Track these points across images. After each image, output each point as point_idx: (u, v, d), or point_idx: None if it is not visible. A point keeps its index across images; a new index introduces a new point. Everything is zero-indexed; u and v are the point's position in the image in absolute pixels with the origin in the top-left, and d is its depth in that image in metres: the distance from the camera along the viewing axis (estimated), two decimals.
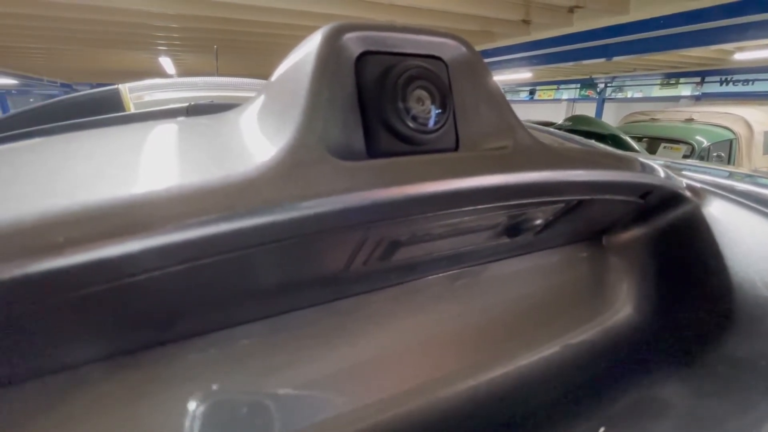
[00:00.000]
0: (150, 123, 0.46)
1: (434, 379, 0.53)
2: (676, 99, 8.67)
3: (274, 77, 0.37)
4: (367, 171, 0.31)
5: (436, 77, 0.34)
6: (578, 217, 0.56)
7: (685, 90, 8.60)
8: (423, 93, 0.34)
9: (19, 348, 0.31)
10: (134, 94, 1.19)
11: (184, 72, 9.80)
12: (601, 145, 0.57)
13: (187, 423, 0.41)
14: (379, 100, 0.32)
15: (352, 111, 0.32)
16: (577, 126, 3.29)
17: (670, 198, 0.61)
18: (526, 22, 4.86)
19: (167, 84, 1.35)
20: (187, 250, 0.27)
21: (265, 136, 0.33)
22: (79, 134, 0.44)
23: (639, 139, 3.39)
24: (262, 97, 0.38)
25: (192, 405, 0.41)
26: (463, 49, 0.37)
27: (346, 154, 0.31)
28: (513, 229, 0.51)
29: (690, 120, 3.48)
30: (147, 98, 1.22)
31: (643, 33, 4.32)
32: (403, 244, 0.43)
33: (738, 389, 0.50)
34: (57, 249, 0.23)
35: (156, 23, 4.95)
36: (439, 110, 0.35)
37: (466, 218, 0.44)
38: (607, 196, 0.52)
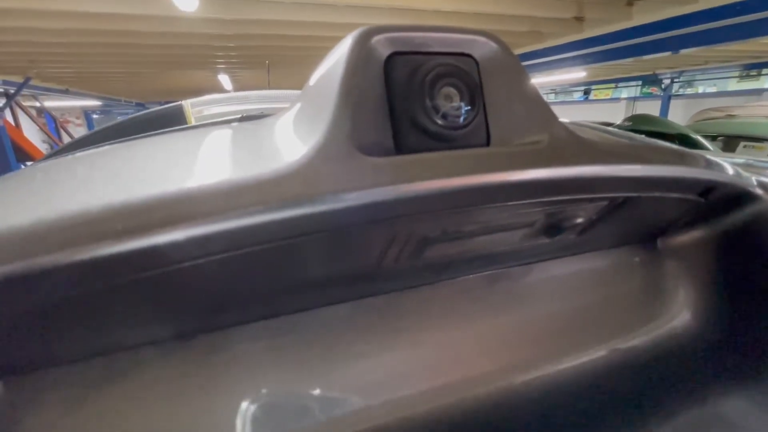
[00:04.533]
0: (198, 131, 0.50)
1: (469, 378, 0.52)
2: (758, 93, 7.74)
3: (309, 82, 0.40)
4: (393, 166, 0.32)
5: (464, 74, 0.35)
6: (626, 216, 0.52)
7: None
8: (451, 90, 0.34)
9: (80, 328, 0.36)
10: (195, 108, 1.31)
11: (240, 87, 10.51)
12: (657, 141, 0.52)
13: (226, 407, 0.43)
14: (407, 98, 0.33)
15: (380, 110, 0.33)
16: (638, 126, 3.05)
17: (737, 196, 0.54)
18: (578, 19, 4.62)
19: (223, 98, 1.47)
20: (223, 241, 0.30)
21: (298, 136, 0.35)
22: (140, 141, 0.49)
23: (713, 138, 3.07)
24: (299, 101, 0.40)
25: (231, 392, 0.44)
26: (494, 45, 0.37)
27: (374, 151, 0.33)
28: (552, 228, 0.49)
29: None
30: (206, 112, 1.34)
31: (715, 22, 3.91)
32: (435, 241, 0.43)
33: None
34: (115, 237, 0.26)
35: (215, 44, 5.37)
36: (468, 107, 0.35)
37: (499, 215, 0.43)
38: (657, 193, 0.48)
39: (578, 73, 8.58)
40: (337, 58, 0.34)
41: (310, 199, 0.30)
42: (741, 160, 0.94)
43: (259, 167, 0.31)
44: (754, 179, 0.55)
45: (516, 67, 0.38)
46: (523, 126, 0.38)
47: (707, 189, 0.51)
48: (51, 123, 8.52)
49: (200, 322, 0.43)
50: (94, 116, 13.37)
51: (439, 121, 0.34)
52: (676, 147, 0.51)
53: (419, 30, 0.35)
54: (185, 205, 0.28)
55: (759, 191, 0.54)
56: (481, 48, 0.37)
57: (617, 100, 10.94)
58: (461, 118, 0.35)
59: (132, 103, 12.91)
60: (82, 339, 0.37)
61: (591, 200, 0.46)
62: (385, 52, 0.34)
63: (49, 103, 9.05)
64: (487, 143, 0.37)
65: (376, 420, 0.47)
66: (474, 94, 0.35)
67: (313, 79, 0.39)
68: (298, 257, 0.39)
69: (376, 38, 0.33)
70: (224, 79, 9.16)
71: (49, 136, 7.45)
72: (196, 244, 0.28)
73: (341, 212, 0.31)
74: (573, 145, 0.39)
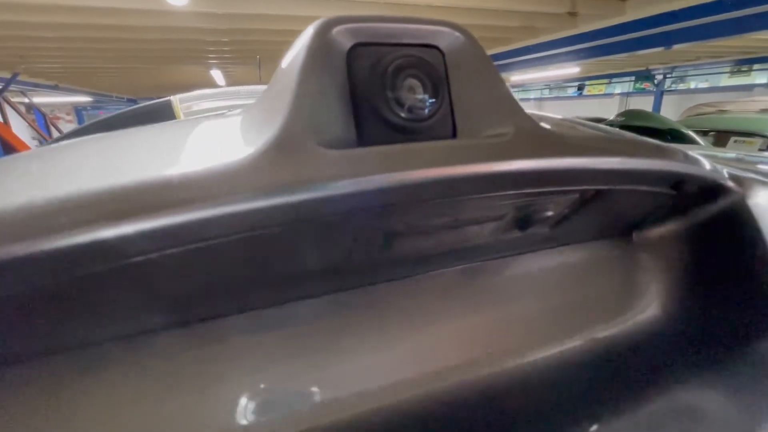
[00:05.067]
0: (164, 125, 0.49)
1: (443, 369, 0.52)
2: (749, 88, 7.82)
3: (274, 74, 0.39)
4: (350, 159, 0.32)
5: (427, 65, 0.34)
6: (599, 209, 0.52)
7: (760, 78, 7.74)
8: (414, 82, 0.34)
9: (33, 325, 0.35)
10: (184, 104, 1.30)
11: (233, 82, 10.41)
12: (627, 133, 0.51)
13: (193, 403, 0.43)
14: (370, 90, 0.33)
15: (342, 102, 0.33)
16: (631, 121, 3.06)
17: (709, 189, 0.55)
18: (572, 14, 4.62)
19: (213, 94, 1.45)
20: (171, 235, 0.29)
21: (257, 129, 0.35)
22: (101, 137, 0.49)
23: (705, 134, 3.09)
24: (265, 94, 0.39)
25: (199, 388, 0.44)
26: (460, 36, 0.37)
27: (337, 144, 0.32)
28: (523, 221, 0.49)
29: (766, 110, 3.11)
30: (195, 107, 1.32)
31: (707, 17, 3.93)
32: (404, 235, 0.43)
33: None
34: (58, 230, 0.26)
35: (208, 38, 5.30)
36: (433, 99, 0.34)
37: (466, 208, 0.43)
38: (627, 186, 0.48)
39: (572, 69, 8.59)
40: (297, 49, 0.34)
41: (262, 192, 0.29)
42: (732, 155, 0.95)
43: (213, 160, 0.31)
44: (725, 172, 0.55)
45: (483, 58, 0.37)
46: (490, 118, 0.38)
47: (679, 182, 0.51)
48: (40, 119, 8.39)
49: (164, 318, 0.42)
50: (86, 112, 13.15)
51: (403, 114, 0.33)
52: (647, 139, 0.50)
53: (383, 21, 0.34)
54: (132, 199, 0.27)
55: (730, 184, 0.54)
56: (447, 39, 0.36)
57: (611, 95, 10.98)
58: (425, 110, 0.34)
59: (123, 99, 12.75)
60: (48, 334, 0.37)
61: (560, 193, 0.46)
62: (347, 43, 0.33)
63: (39, 99, 8.91)
64: (454, 135, 0.36)
65: (349, 411, 0.47)
66: (438, 85, 0.34)
67: (276, 71, 0.38)
68: (258, 252, 0.38)
69: (336, 29, 0.32)
70: (217, 75, 9.07)
71: (38, 133, 7.34)
72: (145, 239, 0.28)
73: (295, 206, 0.31)
74: (539, 137, 0.39)
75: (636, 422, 0.45)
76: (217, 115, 0.73)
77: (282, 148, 0.31)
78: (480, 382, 0.52)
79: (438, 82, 0.35)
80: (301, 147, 0.31)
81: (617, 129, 0.53)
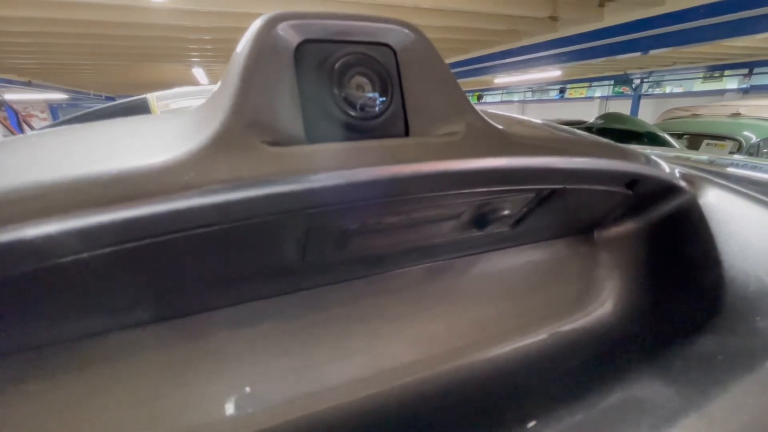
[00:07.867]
0: (114, 121, 0.47)
1: (408, 366, 0.52)
2: (720, 93, 8.13)
3: (225, 71, 0.38)
4: (295, 156, 0.31)
5: (376, 63, 0.34)
6: (558, 208, 0.53)
7: (731, 83, 8.06)
8: (362, 79, 0.33)
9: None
10: (161, 102, 1.26)
11: (215, 80, 10.23)
12: (582, 133, 0.52)
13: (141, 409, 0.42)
14: (317, 88, 0.32)
15: (290, 98, 0.32)
16: (610, 124, 3.15)
17: (662, 188, 0.56)
18: (553, 18, 4.72)
19: (192, 92, 1.42)
20: (104, 233, 0.28)
21: (200, 126, 0.34)
22: (49, 131, 0.47)
23: (679, 137, 3.20)
24: (215, 91, 0.38)
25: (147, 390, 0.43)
26: (411, 34, 0.36)
27: (283, 142, 0.31)
28: (480, 220, 0.49)
29: (737, 114, 3.25)
30: (173, 106, 1.29)
31: (681, 24, 4.07)
32: (360, 233, 0.42)
33: (715, 384, 0.45)
34: None
35: (190, 36, 5.20)
36: (383, 97, 0.34)
37: (421, 207, 0.42)
38: (581, 185, 0.48)
39: (554, 72, 8.77)
40: (243, 44, 0.33)
41: (193, 191, 0.28)
42: (705, 158, 0.99)
43: (146, 158, 0.29)
44: (677, 171, 0.57)
45: (434, 56, 0.37)
46: (442, 116, 0.37)
47: (633, 181, 0.52)
48: (13, 117, 8.06)
49: (108, 321, 0.40)
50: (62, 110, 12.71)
51: (352, 112, 0.33)
52: (602, 140, 0.51)
53: (332, 18, 0.33)
54: (61, 195, 0.26)
55: (682, 183, 0.56)
56: (398, 37, 0.36)
57: (591, 98, 11.25)
58: (376, 108, 0.34)
59: (101, 96, 12.39)
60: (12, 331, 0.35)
61: (515, 191, 0.46)
62: (294, 39, 0.32)
63: (11, 96, 8.56)
64: (406, 134, 0.36)
65: (312, 408, 0.47)
66: (387, 83, 0.34)
67: (228, 67, 0.37)
68: (192, 253, 0.36)
69: (282, 25, 0.32)
70: (199, 73, 8.90)
71: (10, 131, 7.05)
72: (74, 237, 0.26)
73: (229, 204, 0.29)
74: (490, 136, 0.39)
75: (593, 410, 0.46)
76: (171, 112, 0.71)
77: (220, 144, 0.30)
78: (445, 377, 0.52)
79: (387, 79, 0.34)
80: (241, 144, 0.30)
81: (578, 130, 0.54)
